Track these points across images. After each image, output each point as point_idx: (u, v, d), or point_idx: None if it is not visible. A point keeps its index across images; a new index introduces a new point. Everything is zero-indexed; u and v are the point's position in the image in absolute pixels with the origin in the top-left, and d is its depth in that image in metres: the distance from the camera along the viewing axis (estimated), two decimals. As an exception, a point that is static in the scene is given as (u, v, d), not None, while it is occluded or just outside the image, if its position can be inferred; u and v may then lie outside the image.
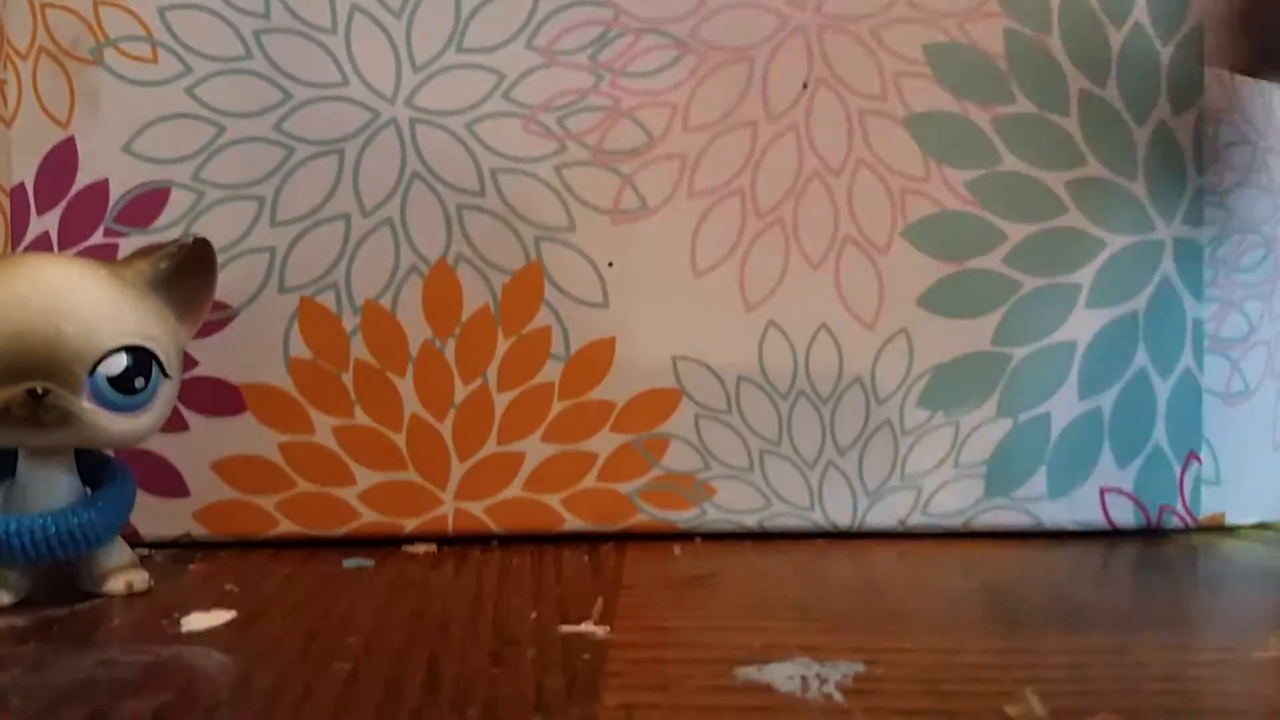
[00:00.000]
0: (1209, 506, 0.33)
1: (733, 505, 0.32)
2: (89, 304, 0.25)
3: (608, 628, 0.24)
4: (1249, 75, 0.31)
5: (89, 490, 0.26)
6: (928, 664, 0.21)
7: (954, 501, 0.32)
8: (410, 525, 0.31)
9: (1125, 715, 0.18)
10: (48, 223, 0.31)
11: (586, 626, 0.24)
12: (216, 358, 0.31)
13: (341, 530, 0.31)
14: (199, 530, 0.31)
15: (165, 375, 0.26)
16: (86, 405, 0.24)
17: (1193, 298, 0.32)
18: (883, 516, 0.32)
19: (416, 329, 0.31)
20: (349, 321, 0.31)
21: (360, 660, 0.21)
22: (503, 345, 0.31)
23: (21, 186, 0.31)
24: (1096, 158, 0.32)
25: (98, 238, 0.30)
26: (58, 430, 0.24)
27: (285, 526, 0.31)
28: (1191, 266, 0.32)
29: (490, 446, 0.31)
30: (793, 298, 0.32)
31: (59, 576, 0.26)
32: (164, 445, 0.30)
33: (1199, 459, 0.33)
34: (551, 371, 0.31)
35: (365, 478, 0.31)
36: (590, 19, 0.31)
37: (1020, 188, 0.32)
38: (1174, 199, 0.32)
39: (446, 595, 0.26)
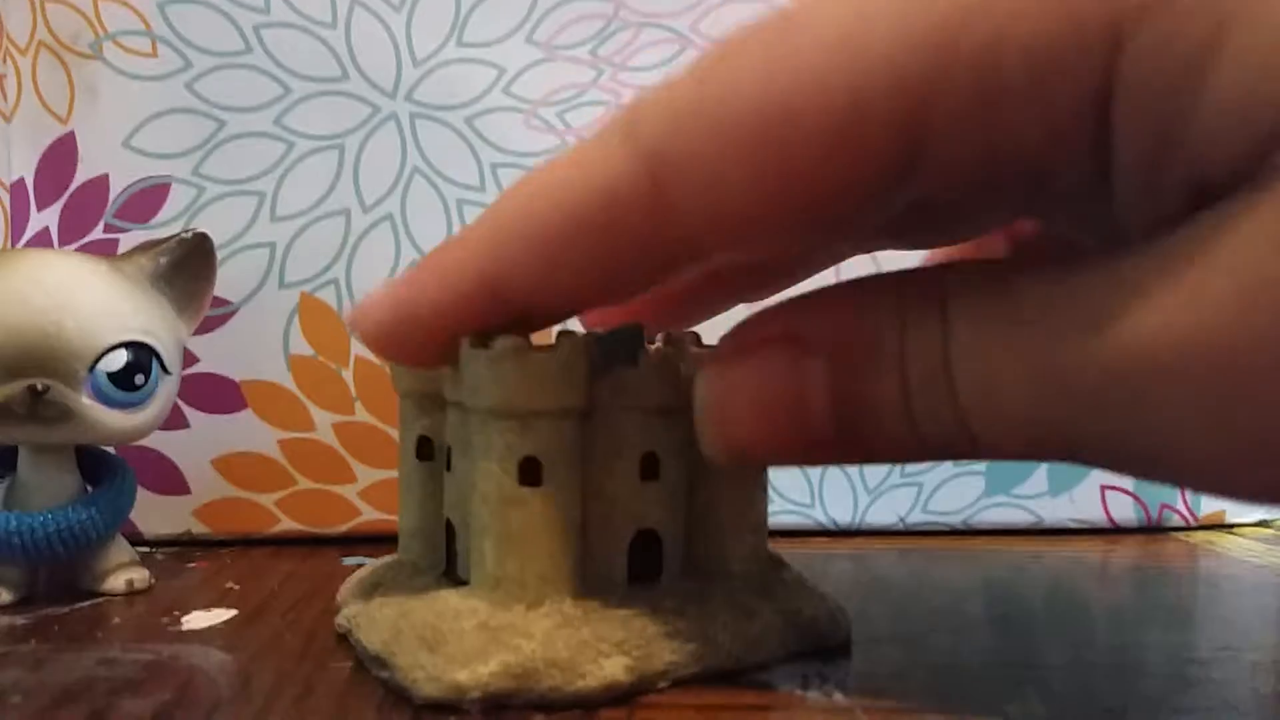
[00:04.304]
0: (1209, 504, 0.33)
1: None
2: (89, 300, 0.25)
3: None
4: None
5: (89, 487, 0.26)
6: (928, 662, 0.21)
7: (954, 499, 0.32)
8: (411, 521, 0.31)
9: (1125, 714, 0.18)
10: (47, 218, 0.30)
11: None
12: (217, 354, 0.31)
13: (342, 527, 0.31)
14: (199, 528, 0.31)
15: (165, 371, 0.26)
16: (87, 402, 0.24)
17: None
18: (883, 514, 0.32)
19: (417, 325, 0.31)
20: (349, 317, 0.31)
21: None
22: (503, 341, 0.31)
23: (21, 182, 0.30)
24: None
25: (97, 233, 0.30)
26: (58, 427, 0.24)
27: (286, 524, 0.31)
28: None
29: (491, 443, 0.31)
30: (794, 289, 0.31)
31: (59, 574, 0.26)
32: (164, 442, 0.30)
33: (1200, 456, 0.33)
34: (552, 368, 0.31)
35: (366, 475, 0.31)
36: (591, 13, 0.31)
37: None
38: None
39: (447, 592, 0.26)
